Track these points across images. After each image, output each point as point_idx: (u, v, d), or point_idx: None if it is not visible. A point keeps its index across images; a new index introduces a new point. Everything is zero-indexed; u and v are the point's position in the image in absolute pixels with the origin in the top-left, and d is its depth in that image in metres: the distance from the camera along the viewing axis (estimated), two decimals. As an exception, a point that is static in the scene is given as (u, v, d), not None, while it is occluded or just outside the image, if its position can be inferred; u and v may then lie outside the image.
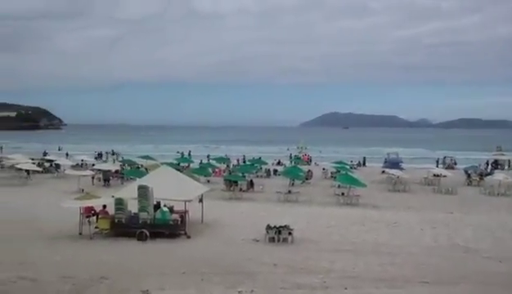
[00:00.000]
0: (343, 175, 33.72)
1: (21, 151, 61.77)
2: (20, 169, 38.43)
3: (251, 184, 34.29)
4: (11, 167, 41.28)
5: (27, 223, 20.72)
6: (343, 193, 30.15)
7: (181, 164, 45.04)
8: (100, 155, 58.68)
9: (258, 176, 41.69)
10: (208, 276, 13.42)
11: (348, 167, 44.78)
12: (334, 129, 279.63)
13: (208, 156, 56.56)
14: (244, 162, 53.10)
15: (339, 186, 33.26)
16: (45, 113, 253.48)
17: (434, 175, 40.40)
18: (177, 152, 60.90)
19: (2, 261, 14.47)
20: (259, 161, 48.82)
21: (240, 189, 32.34)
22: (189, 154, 59.10)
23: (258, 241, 18.30)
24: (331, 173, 42.61)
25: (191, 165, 47.00)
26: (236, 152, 66.15)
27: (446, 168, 49.98)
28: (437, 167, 50.91)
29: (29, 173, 38.03)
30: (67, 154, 60.71)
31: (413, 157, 68.02)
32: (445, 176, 39.42)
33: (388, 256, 16.39)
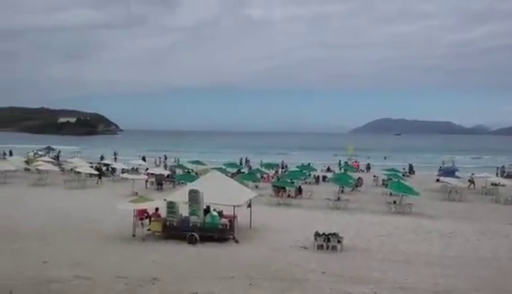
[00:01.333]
0: (396, 183, 32.78)
1: (80, 155, 64.79)
2: (79, 172, 40.40)
3: (300, 190, 34.12)
4: (71, 170, 43.53)
5: (85, 224, 21.75)
6: (395, 202, 29.31)
7: (230, 169, 45.53)
8: (143, 159, 60.64)
9: (306, 183, 41.39)
10: (256, 281, 13.47)
11: (400, 174, 43.52)
12: (386, 136, 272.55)
13: (260, 161, 56.96)
14: (283, 168, 53.03)
15: (390, 194, 32.40)
16: (102, 119, 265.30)
17: (492, 184, 38.44)
18: (240, 159, 61.73)
19: (60, 260, 15.24)
20: (308, 167, 48.49)
21: (289, 196, 32.25)
22: (246, 161, 59.77)
23: (306, 248, 18.17)
24: (382, 181, 41.58)
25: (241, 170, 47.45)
26: (286, 158, 65.94)
27: (506, 177, 47.42)
28: (496, 175, 48.37)
29: (95, 176, 40.03)
30: (115, 158, 63.41)
31: (470, 165, 65.01)
32: (504, 185, 37.40)
33: (441, 268, 15.75)
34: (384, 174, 43.85)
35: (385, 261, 16.53)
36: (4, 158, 56.78)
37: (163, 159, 62.21)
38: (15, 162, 45.59)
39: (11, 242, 17.59)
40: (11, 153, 64.50)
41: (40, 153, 64.71)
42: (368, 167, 57.66)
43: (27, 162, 48.75)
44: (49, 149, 69.42)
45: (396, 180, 37.13)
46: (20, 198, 30.51)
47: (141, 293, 11.99)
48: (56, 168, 43.53)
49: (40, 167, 41.58)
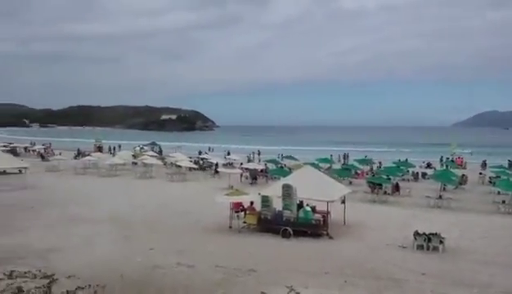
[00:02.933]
0: (505, 181, 30.11)
1: (180, 150, 68.56)
2: (180, 166, 42.87)
3: (397, 187, 32.77)
4: (171, 164, 46.36)
5: (185, 214, 23.06)
6: (503, 201, 26.94)
7: (322, 164, 45.11)
8: (228, 153, 62.48)
9: (404, 179, 39.62)
10: (351, 279, 13.27)
11: (509, 171, 39.83)
12: (492, 130, 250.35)
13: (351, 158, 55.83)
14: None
15: (498, 193, 29.83)
16: (200, 116, 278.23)
17: None
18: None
19: (164, 248, 16.32)
20: (406, 163, 46.33)
21: (385, 192, 31.15)
22: (344, 157, 58.89)
23: (404, 247, 17.44)
24: (490, 178, 38.39)
25: (333, 166, 46.83)
26: (384, 154, 63.62)
27: None
28: None
29: (196, 169, 42.31)
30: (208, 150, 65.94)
31: None
32: None
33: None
34: (492, 171, 40.49)
35: (492, 265, 15.30)
36: (113, 153, 61.95)
37: (256, 154, 63.55)
38: (124, 157, 49.59)
39: (121, 230, 19.24)
40: (119, 148, 70.41)
41: (145, 148, 69.71)
42: (484, 165, 52.39)
43: (134, 157, 52.80)
44: (153, 145, 74.46)
45: (505, 177, 34.14)
46: (128, 189, 33.25)
47: (238, 283, 12.43)
48: (160, 162, 46.54)
49: (145, 161, 44.84)
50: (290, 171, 34.49)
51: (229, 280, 12.64)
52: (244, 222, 20.19)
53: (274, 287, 12.03)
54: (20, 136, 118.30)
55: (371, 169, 45.80)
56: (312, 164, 37.75)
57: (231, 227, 20.03)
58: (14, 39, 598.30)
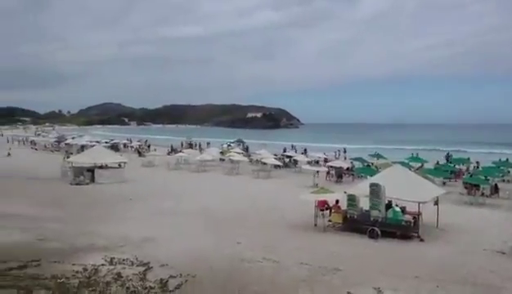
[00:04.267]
0: None
1: (266, 147, 69.56)
2: (265, 163, 43.53)
3: (496, 188, 30.32)
4: (257, 161, 47.22)
5: (270, 210, 23.40)
6: None
7: (413, 164, 43.04)
8: (305, 151, 61.74)
9: (504, 181, 36.53)
10: (443, 284, 12.55)
11: None
12: None
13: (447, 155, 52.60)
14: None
15: None
16: (285, 114, 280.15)
17: None
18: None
19: (250, 242, 16.68)
20: (506, 163, 42.65)
21: (482, 194, 28.97)
22: (447, 156, 55.64)
23: (504, 253, 16.12)
24: None
25: (425, 165, 44.47)
26: (481, 155, 59.12)
27: None
28: None
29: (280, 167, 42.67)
30: (291, 148, 66.13)
31: None
32: None
33: None
34: None
35: None
36: (199, 150, 64.49)
37: (342, 152, 62.44)
38: (212, 153, 51.51)
39: (211, 223, 20.04)
40: (208, 145, 73.17)
41: (232, 145, 71.74)
42: None
43: (222, 153, 54.63)
44: (240, 142, 76.40)
45: None
46: (216, 184, 34.52)
47: (323, 281, 12.35)
48: (246, 159, 47.65)
49: (232, 158, 46.18)
50: (378, 169, 33.45)
51: (314, 278, 12.60)
52: (330, 221, 19.98)
53: (360, 287, 11.78)
54: (119, 134, 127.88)
55: (467, 169, 42.80)
56: (402, 163, 36.23)
57: (315, 225, 19.95)
58: (115, 43, 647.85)
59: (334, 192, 21.22)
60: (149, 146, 69.91)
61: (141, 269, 12.49)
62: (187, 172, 42.68)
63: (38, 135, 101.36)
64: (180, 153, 52.35)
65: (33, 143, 78.24)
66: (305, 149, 64.00)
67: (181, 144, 73.83)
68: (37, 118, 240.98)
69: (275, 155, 50.60)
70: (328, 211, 20.41)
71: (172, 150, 62.86)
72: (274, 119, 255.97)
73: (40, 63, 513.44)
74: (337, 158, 53.83)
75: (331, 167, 40.49)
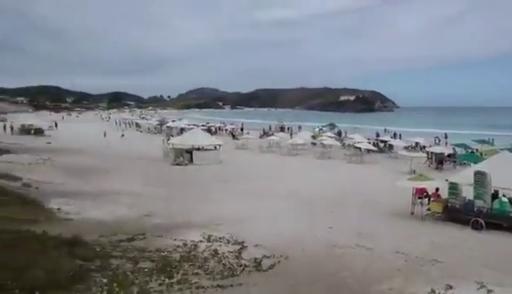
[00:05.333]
0: None
1: (358, 131, 67.80)
2: (358, 148, 42.51)
3: None
4: (350, 145, 46.26)
5: (363, 196, 22.85)
6: None
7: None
8: (394, 135, 58.61)
9: None
10: (559, 284, 11.38)
11: None
12: None
13: None
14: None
15: None
16: (379, 97, 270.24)
17: None
18: None
19: (343, 228, 16.45)
20: None
21: None
22: None
23: None
24: None
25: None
26: None
27: None
28: None
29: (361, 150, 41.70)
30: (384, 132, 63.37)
31: None
32: None
33: None
34: None
35: None
36: (291, 134, 64.71)
37: (443, 137, 58.75)
38: (304, 137, 51.46)
39: (302, 206, 20.12)
40: (299, 129, 73.22)
41: (324, 129, 71.01)
42: None
43: (313, 137, 54.35)
44: (332, 126, 75.35)
45: None
46: (307, 168, 34.53)
47: (421, 272, 11.84)
48: (338, 143, 46.92)
49: (324, 142, 45.74)
50: (483, 156, 31.01)
51: (411, 268, 12.13)
52: (428, 209, 19.01)
53: (461, 281, 11.10)
54: (214, 117, 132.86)
55: None
56: (511, 150, 33.16)
57: (412, 213, 19.12)
58: (212, 29, 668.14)
59: (433, 179, 20.17)
60: (241, 129, 71.80)
61: (236, 247, 12.97)
62: (279, 155, 43.18)
63: (143, 118, 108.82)
64: (272, 137, 53.05)
65: (137, 125, 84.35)
66: (395, 134, 61.44)
67: (269, 128, 74.74)
68: (141, 102, 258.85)
69: (368, 140, 49.18)
70: (427, 200, 19.45)
71: (264, 133, 63.88)
72: (367, 102, 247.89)
73: (144, 49, 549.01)
74: (437, 144, 50.78)
75: (431, 152, 38.35)
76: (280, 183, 26.57)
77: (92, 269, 9.71)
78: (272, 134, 59.18)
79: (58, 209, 16.38)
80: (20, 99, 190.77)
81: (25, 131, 59.90)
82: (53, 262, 9.20)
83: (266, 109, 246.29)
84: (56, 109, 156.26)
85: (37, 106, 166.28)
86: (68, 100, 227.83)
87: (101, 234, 13.03)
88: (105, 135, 59.05)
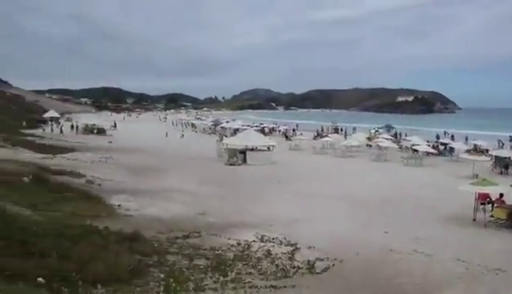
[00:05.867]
0: None
1: (417, 133, 65.53)
2: (416, 150, 41.07)
3: None
4: (407, 147, 44.81)
5: (421, 200, 22.07)
6: None
7: None
8: (452, 137, 55.73)
9: None
10: None
11: None
12: None
13: None
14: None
15: None
16: (439, 97, 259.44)
17: None
18: None
19: (399, 232, 15.92)
20: None
21: None
22: None
23: None
24: None
25: None
26: None
27: None
28: None
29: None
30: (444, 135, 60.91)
31: None
32: None
33: None
34: None
35: None
36: (345, 135, 63.59)
37: (508, 140, 55.51)
38: (359, 139, 50.46)
39: (356, 209, 19.71)
40: (354, 131, 71.87)
41: (380, 130, 69.26)
42: None
43: (369, 139, 53.17)
44: (388, 127, 73.38)
45: None
46: (362, 170, 33.83)
47: (483, 281, 11.26)
48: (395, 145, 45.59)
49: (380, 144, 44.61)
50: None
51: (472, 276, 11.58)
52: (492, 216, 18.03)
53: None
54: (267, 118, 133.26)
55: None
56: None
57: (474, 220, 18.19)
58: (265, 30, 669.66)
59: (497, 184, 19.11)
60: (293, 130, 71.58)
61: (289, 248, 12.97)
62: (332, 157, 42.60)
63: (198, 118, 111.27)
64: (325, 138, 52.45)
65: (193, 126, 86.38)
66: (452, 136, 58.85)
67: (322, 129, 73.95)
68: (197, 103, 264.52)
69: (427, 142, 47.40)
70: (490, 206, 18.46)
71: (318, 135, 63.28)
72: (427, 103, 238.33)
73: (200, 52, 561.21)
74: (500, 147, 48.04)
75: (496, 156, 36.34)
76: (334, 185, 26.21)
77: (150, 265, 10.08)
78: (326, 135, 58.52)
79: (119, 205, 17.11)
80: (83, 100, 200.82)
81: (89, 130, 62.98)
82: (114, 256, 9.63)
83: (319, 110, 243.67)
84: (117, 110, 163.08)
85: (99, 107, 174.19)
86: (128, 101, 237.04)
87: (159, 231, 13.49)
88: (166, 135, 61.13)
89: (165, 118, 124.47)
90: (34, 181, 18.32)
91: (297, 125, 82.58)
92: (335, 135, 60.76)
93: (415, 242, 14.60)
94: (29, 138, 44.57)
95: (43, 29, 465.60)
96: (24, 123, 64.28)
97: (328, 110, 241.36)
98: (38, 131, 56.73)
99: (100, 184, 21.54)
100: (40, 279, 7.73)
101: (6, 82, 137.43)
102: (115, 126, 73.83)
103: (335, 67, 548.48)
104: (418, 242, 14.74)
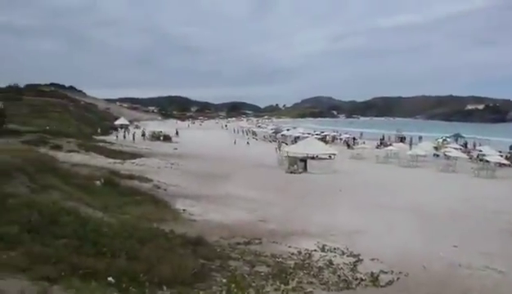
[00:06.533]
0: None
1: (488, 143, 61.91)
2: (488, 161, 38.82)
3: None
4: (477, 157, 42.48)
5: (495, 214, 20.88)
6: None
7: None
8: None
9: None
10: None
11: None
12: None
13: None
14: None
15: None
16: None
17: None
18: None
19: (469, 247, 15.07)
20: None
21: None
22: None
23: None
24: None
25: None
26: None
27: None
28: None
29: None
30: None
31: None
32: None
33: None
34: None
35: None
36: (411, 144, 61.29)
37: None
38: (425, 148, 48.53)
39: (422, 221, 18.93)
40: (420, 140, 69.14)
41: (448, 139, 66.17)
42: None
43: (436, 148, 51.00)
44: (457, 136, 69.94)
45: None
46: (429, 181, 32.50)
47: None
48: (465, 155, 43.42)
49: (449, 154, 42.64)
50: None
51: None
52: None
53: None
54: (328, 126, 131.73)
55: None
56: None
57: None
58: (328, 38, 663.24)
59: None
60: (354, 139, 70.15)
61: (352, 259, 12.70)
62: (397, 167, 41.29)
63: (259, 126, 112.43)
64: (390, 147, 50.95)
65: (254, 133, 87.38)
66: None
67: (383, 137, 71.86)
68: (258, 111, 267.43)
69: (500, 152, 44.63)
70: None
71: (381, 143, 61.62)
72: (499, 111, 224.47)
73: (263, 61, 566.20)
74: None
75: None
76: (399, 195, 25.36)
77: (212, 269, 10.29)
78: (390, 144, 56.83)
79: (183, 210, 17.65)
80: (150, 108, 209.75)
81: (155, 137, 65.66)
82: (179, 259, 9.93)
83: (383, 118, 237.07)
84: (182, 118, 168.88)
85: (165, 115, 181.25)
86: (192, 109, 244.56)
87: (221, 236, 13.74)
88: (235, 142, 62.80)
89: (226, 125, 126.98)
90: (106, 185, 19.39)
91: (361, 133, 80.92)
92: (400, 144, 58.84)
93: (487, 258, 13.77)
94: (101, 144, 47.22)
95: (115, 41, 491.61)
96: (99, 130, 68.28)
97: (392, 118, 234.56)
98: (111, 138, 60.01)
99: (166, 189, 22.36)
100: (110, 279, 8.07)
101: (80, 91, 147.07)
102: (177, 133, 76.38)
103: (400, 74, 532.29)
104: (489, 257, 13.90)
